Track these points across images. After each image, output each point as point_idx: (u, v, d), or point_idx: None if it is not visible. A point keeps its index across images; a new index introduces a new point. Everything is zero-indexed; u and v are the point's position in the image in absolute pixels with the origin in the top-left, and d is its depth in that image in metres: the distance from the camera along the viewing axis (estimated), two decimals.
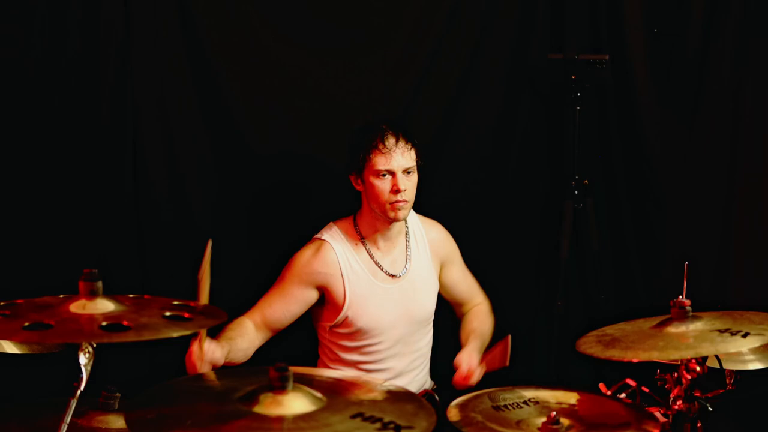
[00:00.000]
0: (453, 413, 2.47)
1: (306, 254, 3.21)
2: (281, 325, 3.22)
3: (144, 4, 3.41)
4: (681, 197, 3.88)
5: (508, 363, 3.08)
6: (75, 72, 3.34)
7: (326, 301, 3.22)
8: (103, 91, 3.38)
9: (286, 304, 3.19)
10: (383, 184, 3.13)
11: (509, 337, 3.08)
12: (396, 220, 3.18)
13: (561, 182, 3.89)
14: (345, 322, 3.21)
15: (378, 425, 1.93)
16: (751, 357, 2.95)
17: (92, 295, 2.12)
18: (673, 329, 2.49)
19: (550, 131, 4.00)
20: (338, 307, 3.19)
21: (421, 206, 3.34)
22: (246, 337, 3.10)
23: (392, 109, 3.73)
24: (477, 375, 3.11)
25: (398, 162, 3.12)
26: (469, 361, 3.13)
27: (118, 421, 2.47)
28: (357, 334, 3.21)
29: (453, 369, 3.15)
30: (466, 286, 3.47)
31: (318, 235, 3.26)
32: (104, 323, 2.04)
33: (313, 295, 3.21)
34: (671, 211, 3.91)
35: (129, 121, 3.42)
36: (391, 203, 3.13)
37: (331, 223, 3.29)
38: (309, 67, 3.65)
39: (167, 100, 3.48)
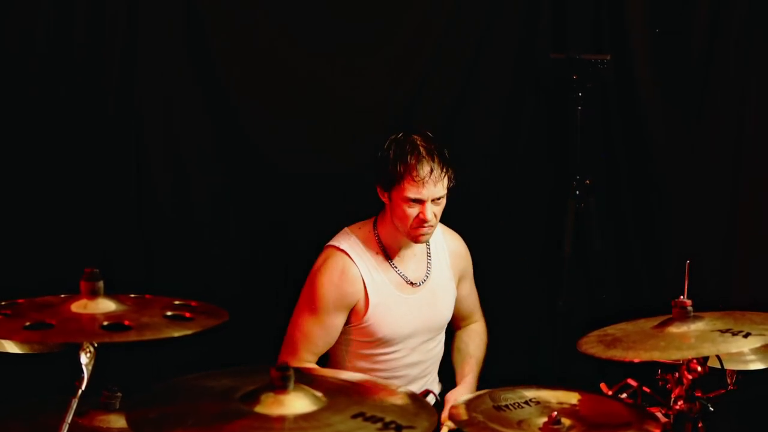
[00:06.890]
0: None
1: (332, 279, 3.09)
2: (326, 350, 3.17)
3: (150, 2, 3.41)
4: (684, 197, 3.87)
5: None
6: (80, 70, 3.35)
7: (349, 314, 3.14)
8: (108, 90, 3.39)
9: (328, 335, 3.11)
10: (411, 210, 3.01)
11: None
12: (417, 242, 3.11)
13: (564, 181, 3.89)
14: (365, 331, 3.13)
15: (379, 425, 1.92)
16: (753, 357, 2.94)
17: (93, 294, 2.12)
18: (674, 329, 2.48)
19: (553, 131, 3.99)
20: (359, 317, 3.12)
21: None
22: None
23: (394, 109, 3.73)
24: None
25: (430, 192, 2.99)
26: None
27: (119, 421, 2.46)
28: (376, 343, 3.15)
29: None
30: (471, 302, 3.44)
31: (335, 243, 3.14)
32: (105, 323, 2.03)
33: (346, 315, 3.13)
34: (675, 211, 3.89)
35: (133, 120, 3.43)
36: (415, 228, 3.04)
37: (346, 229, 3.19)
38: (312, 67, 3.66)
39: (171, 98, 3.50)
